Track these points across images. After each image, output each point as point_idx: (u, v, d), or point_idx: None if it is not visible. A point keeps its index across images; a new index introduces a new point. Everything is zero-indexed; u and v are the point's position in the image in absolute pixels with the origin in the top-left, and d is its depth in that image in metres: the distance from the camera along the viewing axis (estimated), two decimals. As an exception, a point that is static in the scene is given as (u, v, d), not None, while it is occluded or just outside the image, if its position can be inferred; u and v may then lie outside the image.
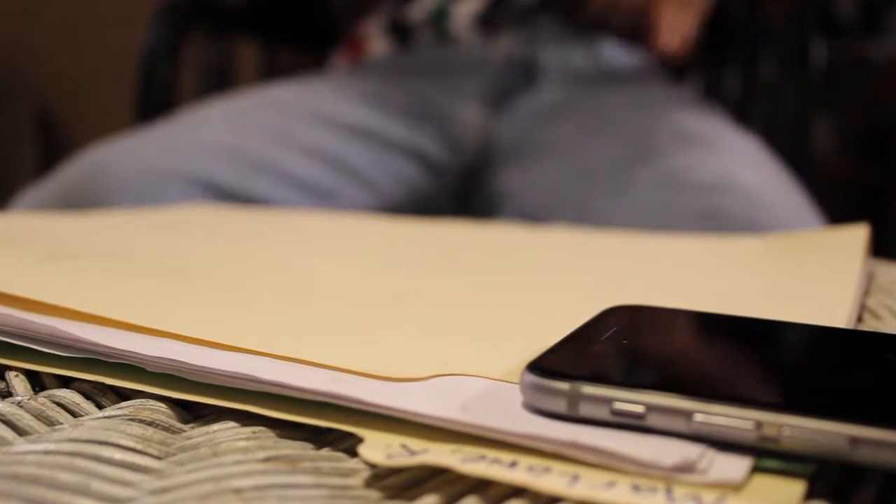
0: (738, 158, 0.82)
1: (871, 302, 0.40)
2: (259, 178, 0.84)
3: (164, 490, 0.22)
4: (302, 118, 0.90)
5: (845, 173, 1.74)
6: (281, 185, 0.86)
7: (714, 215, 0.75)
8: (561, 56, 0.99)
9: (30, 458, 0.23)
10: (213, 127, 0.87)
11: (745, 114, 1.09)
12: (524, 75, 0.98)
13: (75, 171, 0.81)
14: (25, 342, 0.29)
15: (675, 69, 1.06)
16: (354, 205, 0.89)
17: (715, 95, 1.12)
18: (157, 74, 1.08)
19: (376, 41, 1.05)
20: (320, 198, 0.87)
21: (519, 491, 0.21)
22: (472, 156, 0.96)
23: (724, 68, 1.16)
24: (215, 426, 0.25)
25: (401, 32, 1.03)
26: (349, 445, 0.24)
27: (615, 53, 1.02)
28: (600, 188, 0.85)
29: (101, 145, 0.85)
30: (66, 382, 0.29)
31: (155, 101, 1.08)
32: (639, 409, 0.22)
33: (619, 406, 0.22)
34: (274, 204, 0.84)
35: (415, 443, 0.23)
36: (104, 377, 0.28)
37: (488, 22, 1.00)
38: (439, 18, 1.01)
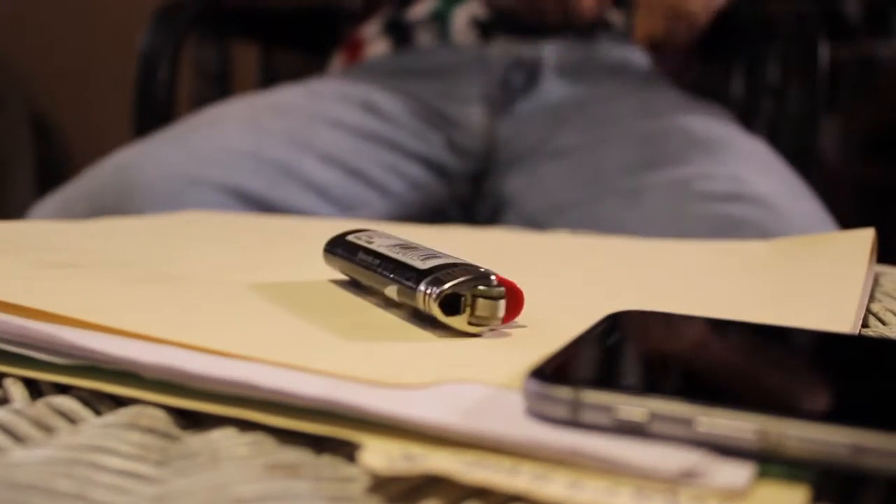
0: (750, 165, 0.82)
1: (877, 307, 0.39)
2: (284, 185, 0.85)
3: (162, 497, 0.22)
4: (316, 123, 0.91)
5: (851, 175, 1.73)
6: (304, 192, 0.86)
7: (729, 225, 0.75)
8: (561, 53, 0.99)
9: (28, 465, 0.23)
10: (233, 133, 0.88)
11: (750, 115, 1.08)
12: (525, 73, 0.98)
13: (102, 178, 0.81)
14: (23, 350, 0.29)
15: (678, 72, 1.06)
16: (374, 213, 0.89)
17: (720, 97, 1.12)
18: (156, 77, 1.08)
19: (375, 42, 1.05)
20: (341, 208, 0.88)
21: (520, 497, 0.21)
22: (479, 160, 0.96)
23: (730, 69, 1.16)
24: (214, 433, 0.25)
25: (399, 32, 1.03)
26: (349, 452, 0.24)
27: (616, 50, 1.01)
28: (611, 195, 0.84)
29: (126, 150, 0.85)
30: (64, 389, 0.28)
31: (154, 104, 1.08)
32: (641, 416, 0.22)
33: (621, 413, 0.22)
34: (297, 212, 0.84)
35: (416, 449, 0.23)
36: (102, 384, 0.27)
37: (488, 25, 1.00)
38: (439, 20, 1.01)
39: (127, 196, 0.78)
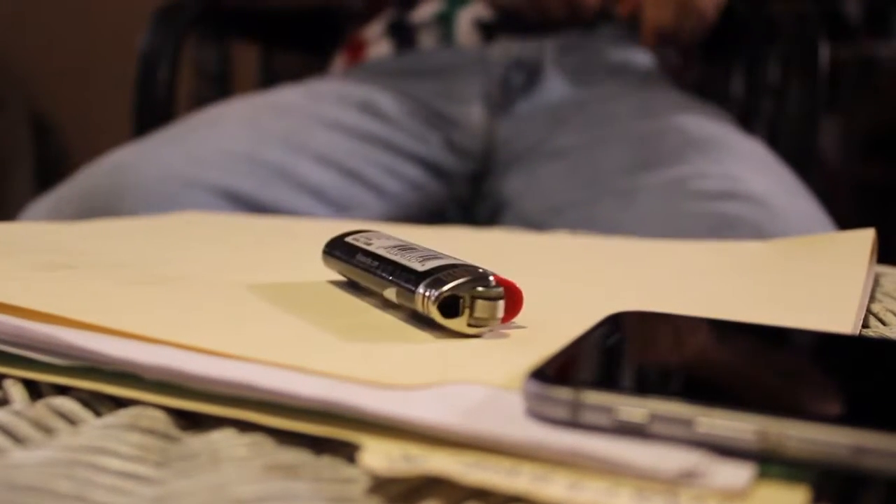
0: (746, 164, 0.82)
1: (877, 307, 0.39)
2: (279, 187, 0.85)
3: (162, 498, 0.22)
4: (313, 124, 0.91)
5: (851, 175, 1.73)
6: (299, 194, 0.86)
7: (724, 223, 0.75)
8: (562, 52, 0.99)
9: (28, 466, 0.23)
10: (230, 134, 0.88)
11: (750, 116, 1.08)
12: (526, 72, 0.98)
13: (95, 178, 0.81)
14: (23, 351, 0.29)
15: (678, 72, 1.06)
16: (370, 214, 0.89)
17: (720, 97, 1.12)
18: (155, 77, 1.08)
19: (377, 43, 1.05)
20: (337, 209, 0.88)
21: (520, 498, 0.21)
22: (478, 161, 0.96)
23: (730, 70, 1.16)
24: (214, 434, 0.25)
25: (402, 34, 1.03)
26: (349, 453, 0.24)
27: (617, 47, 1.01)
28: (608, 195, 0.84)
29: (120, 150, 0.85)
30: (63, 390, 0.28)
31: (153, 104, 1.08)
32: (641, 416, 0.22)
33: (621, 414, 0.22)
34: (293, 213, 0.84)
35: (415, 450, 0.23)
36: (102, 385, 0.27)
37: (491, 26, 0.99)
38: (443, 22, 1.01)
39: (119, 197, 0.78)
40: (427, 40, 1.02)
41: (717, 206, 0.76)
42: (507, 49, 0.98)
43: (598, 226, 0.78)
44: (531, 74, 0.98)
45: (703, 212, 0.77)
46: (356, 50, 1.08)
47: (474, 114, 0.96)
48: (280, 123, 0.90)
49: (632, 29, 1.01)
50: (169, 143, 0.85)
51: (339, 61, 1.11)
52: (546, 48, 0.98)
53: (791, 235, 0.69)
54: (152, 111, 1.07)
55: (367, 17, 1.10)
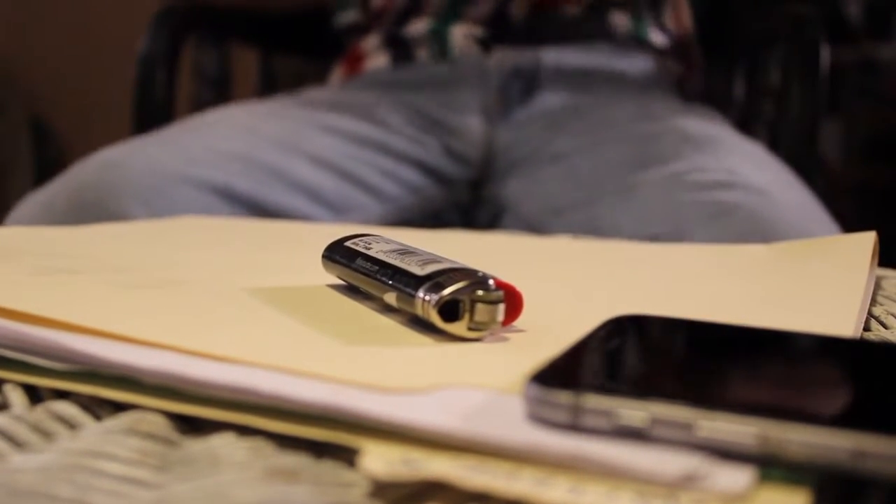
0: (745, 159, 0.82)
1: (878, 310, 0.39)
2: (274, 186, 0.85)
3: (162, 502, 0.22)
4: (310, 128, 0.91)
5: (853, 178, 1.73)
6: (295, 194, 0.86)
7: (721, 211, 0.75)
8: (561, 58, 0.99)
9: (28, 471, 0.23)
10: (224, 135, 0.88)
11: (751, 118, 1.08)
12: (524, 82, 0.97)
13: (87, 173, 0.81)
14: (23, 355, 0.29)
15: (679, 80, 1.06)
16: (369, 216, 0.89)
17: (721, 100, 1.12)
18: (154, 81, 1.08)
19: (375, 55, 1.04)
20: (335, 211, 0.88)
21: (521, 502, 0.21)
22: (478, 168, 0.96)
23: (731, 72, 1.16)
24: (214, 438, 0.25)
25: (398, 47, 1.03)
26: (349, 457, 0.24)
27: (615, 59, 1.01)
28: (607, 194, 0.85)
29: (112, 148, 0.84)
30: (63, 395, 0.28)
31: (152, 107, 1.08)
32: (642, 420, 0.22)
33: (622, 417, 0.22)
34: (287, 212, 0.84)
35: (416, 454, 0.23)
36: (102, 390, 0.27)
37: (485, 40, 0.99)
38: (437, 37, 1.01)
39: (109, 193, 0.77)
40: (423, 54, 1.01)
41: (715, 195, 0.77)
42: (504, 59, 0.98)
43: (599, 224, 0.78)
44: (529, 83, 0.97)
45: (700, 200, 0.77)
46: (354, 61, 1.07)
47: (473, 124, 0.96)
48: (276, 127, 0.90)
49: (629, 44, 1.01)
50: (160, 142, 0.85)
51: (337, 72, 1.10)
52: (543, 58, 0.98)
53: (788, 224, 0.69)
54: (152, 114, 1.07)
55: (365, 28, 1.10)
